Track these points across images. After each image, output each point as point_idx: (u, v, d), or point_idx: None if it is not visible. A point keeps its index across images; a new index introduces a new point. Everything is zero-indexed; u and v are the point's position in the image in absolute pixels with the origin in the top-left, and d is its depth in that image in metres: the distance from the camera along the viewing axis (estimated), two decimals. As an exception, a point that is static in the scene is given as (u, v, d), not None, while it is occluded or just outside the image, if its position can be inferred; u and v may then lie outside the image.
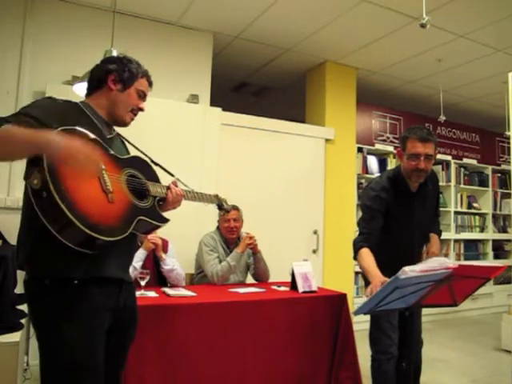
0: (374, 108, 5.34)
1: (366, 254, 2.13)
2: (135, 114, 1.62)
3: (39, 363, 1.37)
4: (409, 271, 1.39)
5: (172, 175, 1.79)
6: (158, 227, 1.61)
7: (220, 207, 2.04)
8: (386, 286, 1.45)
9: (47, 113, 1.34)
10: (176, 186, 1.69)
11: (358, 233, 2.29)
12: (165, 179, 1.73)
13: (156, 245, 2.86)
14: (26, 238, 1.36)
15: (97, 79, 1.57)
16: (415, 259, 2.25)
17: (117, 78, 1.54)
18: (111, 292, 1.45)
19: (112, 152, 1.49)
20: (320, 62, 4.88)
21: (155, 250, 2.88)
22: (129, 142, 1.72)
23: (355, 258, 2.22)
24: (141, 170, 1.59)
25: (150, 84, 1.67)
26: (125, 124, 1.61)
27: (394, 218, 2.24)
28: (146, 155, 1.72)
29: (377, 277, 1.97)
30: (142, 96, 1.62)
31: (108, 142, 1.51)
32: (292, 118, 4.76)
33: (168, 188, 1.66)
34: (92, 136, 1.39)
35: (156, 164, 1.75)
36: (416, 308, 1.74)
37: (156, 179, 1.65)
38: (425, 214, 2.32)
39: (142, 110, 1.63)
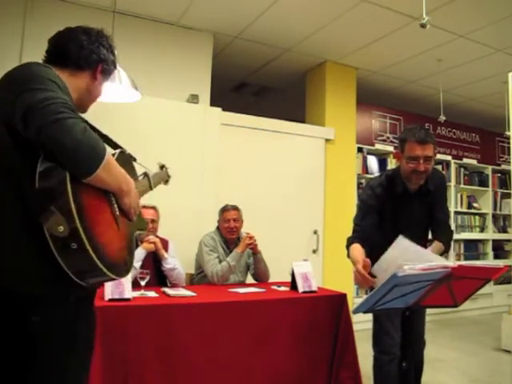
0: (374, 108, 5.34)
1: (355, 248, 2.15)
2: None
3: None
4: (407, 269, 1.39)
5: (118, 147, 1.47)
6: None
7: (167, 181, 1.85)
8: (384, 284, 1.45)
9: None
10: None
11: (352, 230, 2.31)
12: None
13: (155, 244, 2.86)
14: (15, 248, 1.12)
15: (85, 59, 1.34)
16: None
17: (105, 69, 1.39)
18: (92, 302, 1.35)
19: None
20: (320, 61, 4.88)
21: (156, 249, 2.88)
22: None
23: (348, 255, 2.24)
24: (127, 168, 1.36)
25: None
26: (85, 112, 1.42)
27: (391, 216, 2.25)
28: (96, 130, 1.35)
29: (358, 262, 1.99)
30: None
31: None
32: (292, 118, 4.75)
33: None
34: None
35: (104, 136, 1.42)
36: (415, 308, 1.73)
37: (135, 174, 1.51)
38: (424, 215, 2.31)
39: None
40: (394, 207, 2.25)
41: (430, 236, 2.45)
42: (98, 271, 1.08)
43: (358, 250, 2.15)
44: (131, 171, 1.44)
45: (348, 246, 2.23)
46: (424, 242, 2.42)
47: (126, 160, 1.45)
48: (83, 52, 1.34)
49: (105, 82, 1.44)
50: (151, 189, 1.61)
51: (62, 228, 1.03)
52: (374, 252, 2.17)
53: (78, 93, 1.33)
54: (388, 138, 5.36)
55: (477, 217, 6.12)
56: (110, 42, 1.43)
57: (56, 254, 1.05)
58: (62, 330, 1.18)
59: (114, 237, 1.22)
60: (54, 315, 1.16)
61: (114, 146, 1.47)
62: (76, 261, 1.07)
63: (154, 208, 2.97)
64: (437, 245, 2.24)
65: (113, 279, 1.17)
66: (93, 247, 1.06)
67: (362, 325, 3.82)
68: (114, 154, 1.36)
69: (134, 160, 1.57)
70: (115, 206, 1.25)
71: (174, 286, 2.87)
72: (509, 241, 6.29)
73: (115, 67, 1.47)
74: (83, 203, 1.09)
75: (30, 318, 1.12)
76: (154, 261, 2.90)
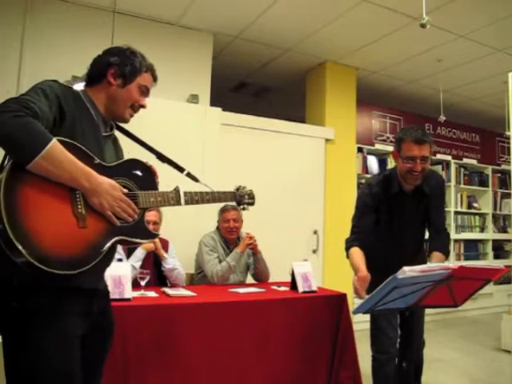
0: (374, 108, 5.34)
1: (356, 252, 2.17)
2: (135, 111, 1.52)
3: (6, 370, 1.23)
4: (407, 271, 1.39)
5: (182, 170, 1.67)
6: (139, 243, 1.51)
7: (239, 203, 1.83)
8: (384, 285, 1.45)
9: (52, 102, 1.27)
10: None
11: (350, 231, 2.33)
12: (175, 176, 1.64)
13: (155, 243, 2.85)
14: None
15: (97, 72, 1.47)
16: (408, 259, 2.24)
17: (117, 72, 1.45)
18: (84, 299, 1.34)
19: (97, 161, 1.34)
20: (320, 62, 4.88)
21: (155, 250, 2.88)
22: (132, 137, 1.62)
23: (347, 256, 2.25)
24: (133, 178, 1.44)
25: (155, 79, 1.57)
26: (124, 121, 1.52)
27: (386, 216, 2.26)
28: (152, 150, 1.63)
29: (359, 271, 2.05)
30: (145, 92, 1.52)
31: (102, 141, 1.43)
32: (292, 118, 4.76)
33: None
34: (74, 143, 1.27)
35: (164, 159, 1.63)
36: (416, 308, 1.73)
37: (152, 185, 1.50)
38: (419, 216, 2.30)
39: (143, 106, 1.53)
40: (389, 206, 2.25)
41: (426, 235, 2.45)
42: (21, 256, 1.12)
43: (358, 255, 2.16)
44: (143, 180, 1.46)
45: (347, 249, 2.25)
46: (420, 243, 2.42)
47: (136, 169, 1.48)
48: (93, 67, 1.48)
49: (132, 86, 1.47)
50: (180, 204, 1.57)
51: None
52: (373, 254, 2.20)
53: (102, 104, 1.45)
54: (388, 137, 5.36)
55: (477, 217, 6.11)
56: (125, 48, 1.52)
57: None
58: (45, 318, 1.22)
59: (62, 231, 1.22)
60: (34, 302, 1.21)
61: (178, 167, 1.65)
62: (7, 245, 1.12)
63: (156, 210, 2.98)
64: (437, 257, 2.21)
65: (48, 271, 1.16)
66: (14, 230, 1.11)
67: (362, 325, 3.81)
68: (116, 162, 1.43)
69: (197, 180, 1.69)
70: (79, 204, 1.26)
71: (173, 285, 2.87)
72: (509, 241, 6.29)
73: (137, 67, 1.49)
74: (22, 191, 1.16)
75: (9, 304, 1.20)
76: (154, 261, 2.90)
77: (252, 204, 1.89)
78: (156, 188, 1.52)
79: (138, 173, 1.47)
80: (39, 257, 1.14)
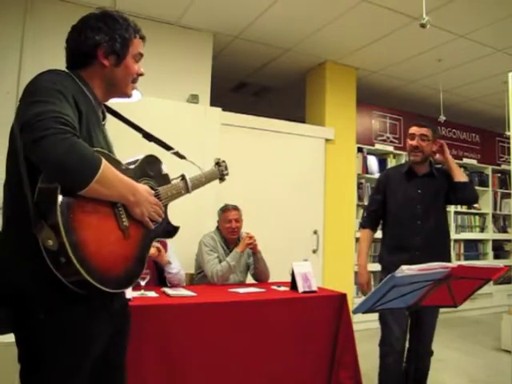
0: (374, 108, 5.34)
1: (364, 239, 2.71)
2: (135, 82, 1.40)
3: (23, 379, 1.18)
4: (406, 269, 1.39)
5: (170, 149, 1.62)
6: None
7: (221, 178, 1.85)
8: (383, 284, 1.45)
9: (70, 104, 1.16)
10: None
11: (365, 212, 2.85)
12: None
13: (159, 250, 2.79)
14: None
15: (83, 54, 1.29)
16: (422, 233, 2.46)
17: (108, 50, 1.28)
18: (109, 303, 1.30)
19: (124, 166, 1.29)
20: (320, 62, 4.88)
21: (158, 258, 2.79)
22: (119, 117, 1.53)
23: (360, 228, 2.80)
24: (151, 176, 1.40)
25: (144, 38, 1.40)
26: (128, 97, 1.41)
27: (396, 196, 2.57)
28: (139, 128, 1.56)
29: (360, 274, 2.68)
30: (139, 59, 1.38)
31: (107, 135, 1.36)
32: (292, 118, 4.76)
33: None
34: (106, 153, 1.22)
35: (150, 138, 1.57)
36: (414, 308, 1.74)
37: (165, 178, 1.47)
38: (432, 193, 2.52)
39: (141, 75, 1.40)
40: (401, 183, 2.58)
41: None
42: (89, 286, 1.09)
43: (366, 242, 2.69)
44: (158, 176, 1.44)
45: (362, 226, 2.76)
46: (440, 223, 2.55)
47: (152, 165, 1.44)
48: (76, 49, 1.32)
49: (127, 60, 1.33)
50: (189, 191, 1.55)
51: (51, 242, 1.04)
52: (390, 232, 2.60)
53: (100, 89, 1.33)
54: (388, 138, 5.36)
55: (477, 217, 6.12)
56: (102, 17, 1.34)
57: (50, 265, 1.06)
58: (71, 330, 1.16)
59: (114, 250, 1.20)
60: (63, 314, 1.15)
61: (165, 146, 1.61)
62: (68, 274, 1.08)
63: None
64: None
65: (110, 292, 1.15)
66: (81, 263, 1.06)
67: (362, 325, 3.82)
68: (134, 161, 1.39)
69: (184, 158, 1.66)
70: (122, 217, 1.22)
71: (173, 286, 2.87)
72: (509, 241, 6.29)
73: (127, 37, 1.32)
74: (76, 218, 1.09)
75: (37, 316, 1.12)
76: (154, 261, 2.89)
77: (227, 174, 1.89)
78: (167, 179, 1.49)
79: (154, 169, 1.44)
80: (103, 281, 1.12)
